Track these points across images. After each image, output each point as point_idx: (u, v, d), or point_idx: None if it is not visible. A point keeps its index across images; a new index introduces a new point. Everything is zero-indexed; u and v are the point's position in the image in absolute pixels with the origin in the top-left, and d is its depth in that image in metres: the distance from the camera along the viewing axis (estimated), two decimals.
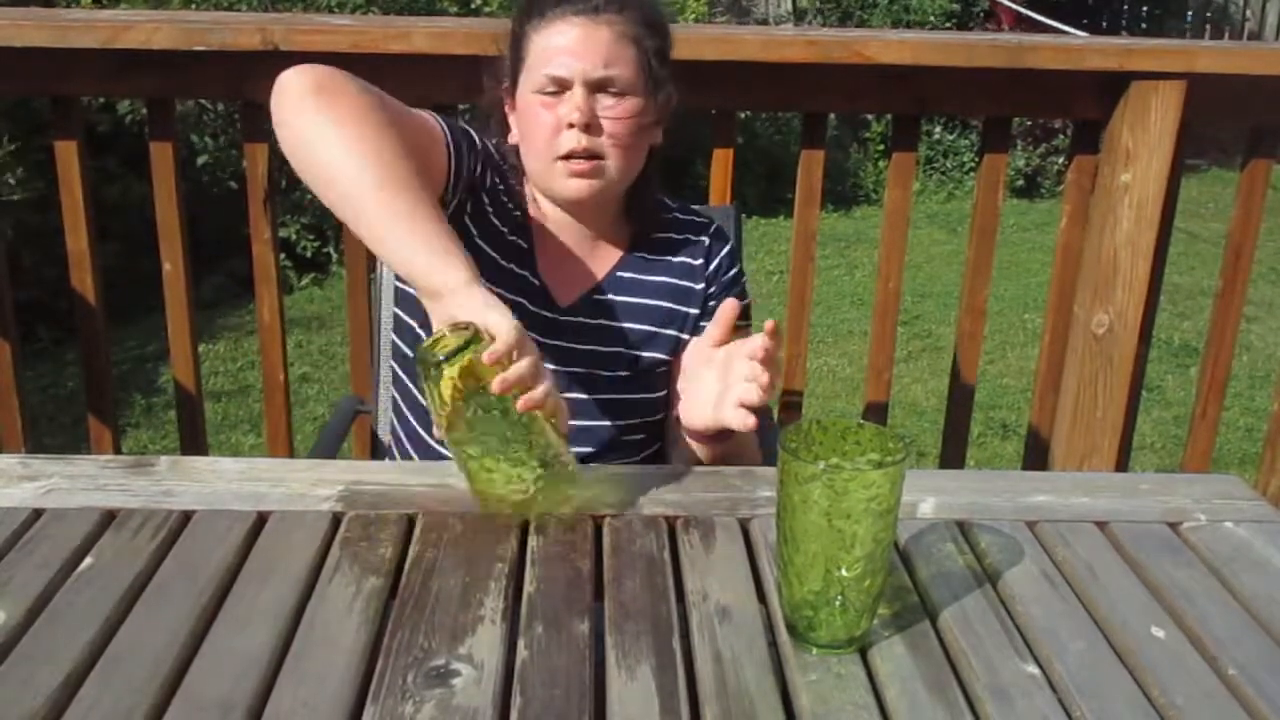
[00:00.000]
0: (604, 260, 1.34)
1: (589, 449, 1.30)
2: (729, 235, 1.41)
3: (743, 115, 5.62)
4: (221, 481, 1.10)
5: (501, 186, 1.32)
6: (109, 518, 1.03)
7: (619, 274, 1.34)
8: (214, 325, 4.24)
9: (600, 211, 1.32)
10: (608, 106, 1.23)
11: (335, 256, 4.74)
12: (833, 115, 5.65)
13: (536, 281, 1.31)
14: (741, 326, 1.22)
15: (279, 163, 1.51)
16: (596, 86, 1.23)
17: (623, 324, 1.32)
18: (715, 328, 1.16)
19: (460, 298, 1.02)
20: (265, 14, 4.36)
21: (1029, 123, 6.77)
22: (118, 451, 2.00)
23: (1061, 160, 6.74)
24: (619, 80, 1.23)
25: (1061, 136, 6.75)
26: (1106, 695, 0.83)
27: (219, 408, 3.58)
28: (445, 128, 1.24)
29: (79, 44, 1.69)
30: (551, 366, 1.26)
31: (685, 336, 1.34)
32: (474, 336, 0.98)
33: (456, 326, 1.00)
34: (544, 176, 1.27)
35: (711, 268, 1.37)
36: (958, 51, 1.76)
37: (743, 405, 1.09)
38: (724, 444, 1.23)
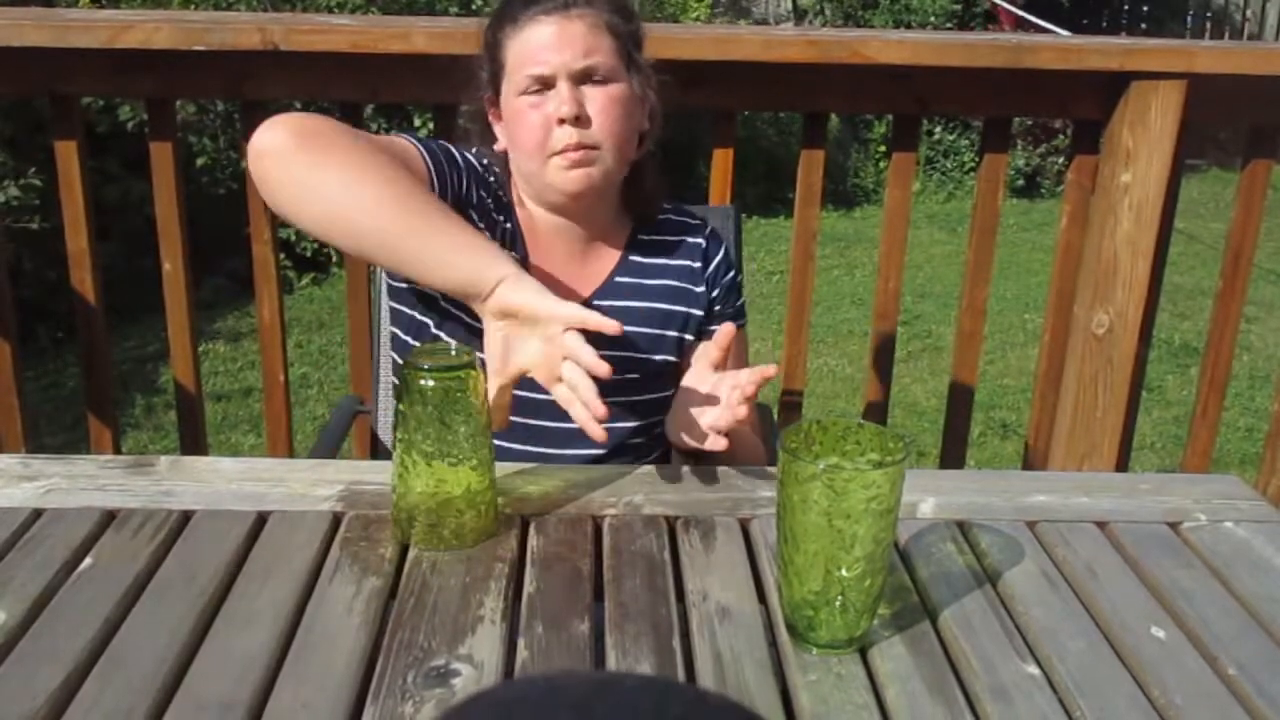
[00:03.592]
0: (601, 265, 1.34)
1: (595, 451, 1.30)
2: (723, 237, 1.42)
3: (742, 115, 5.61)
4: (221, 481, 1.10)
5: (489, 200, 1.30)
6: (109, 518, 1.03)
7: (617, 279, 1.33)
8: (214, 325, 4.24)
9: (598, 207, 1.32)
10: (594, 97, 1.24)
11: (335, 257, 4.74)
12: (834, 115, 5.65)
13: None
14: (740, 326, 1.28)
15: None
16: (580, 78, 1.23)
17: (625, 328, 1.32)
18: (715, 349, 1.17)
19: (512, 285, 1.06)
20: (265, 14, 4.36)
21: (1029, 122, 6.77)
22: (118, 451, 2.00)
23: (1062, 160, 6.74)
24: (601, 68, 1.24)
25: (1062, 136, 6.76)
26: (1106, 695, 0.83)
27: (219, 408, 3.58)
28: (423, 151, 1.22)
29: (79, 44, 1.69)
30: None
31: (689, 338, 1.34)
32: (468, 364, 0.99)
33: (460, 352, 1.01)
34: (539, 176, 1.26)
35: (711, 269, 1.37)
36: (958, 52, 1.76)
37: (713, 429, 1.14)
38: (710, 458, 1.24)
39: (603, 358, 1.29)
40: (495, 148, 1.32)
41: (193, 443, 1.97)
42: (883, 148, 6.82)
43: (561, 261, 1.32)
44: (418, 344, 1.30)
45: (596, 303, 1.32)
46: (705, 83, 1.78)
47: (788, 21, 7.78)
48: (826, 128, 1.91)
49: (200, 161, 4.46)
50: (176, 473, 1.12)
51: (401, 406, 0.98)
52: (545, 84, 1.23)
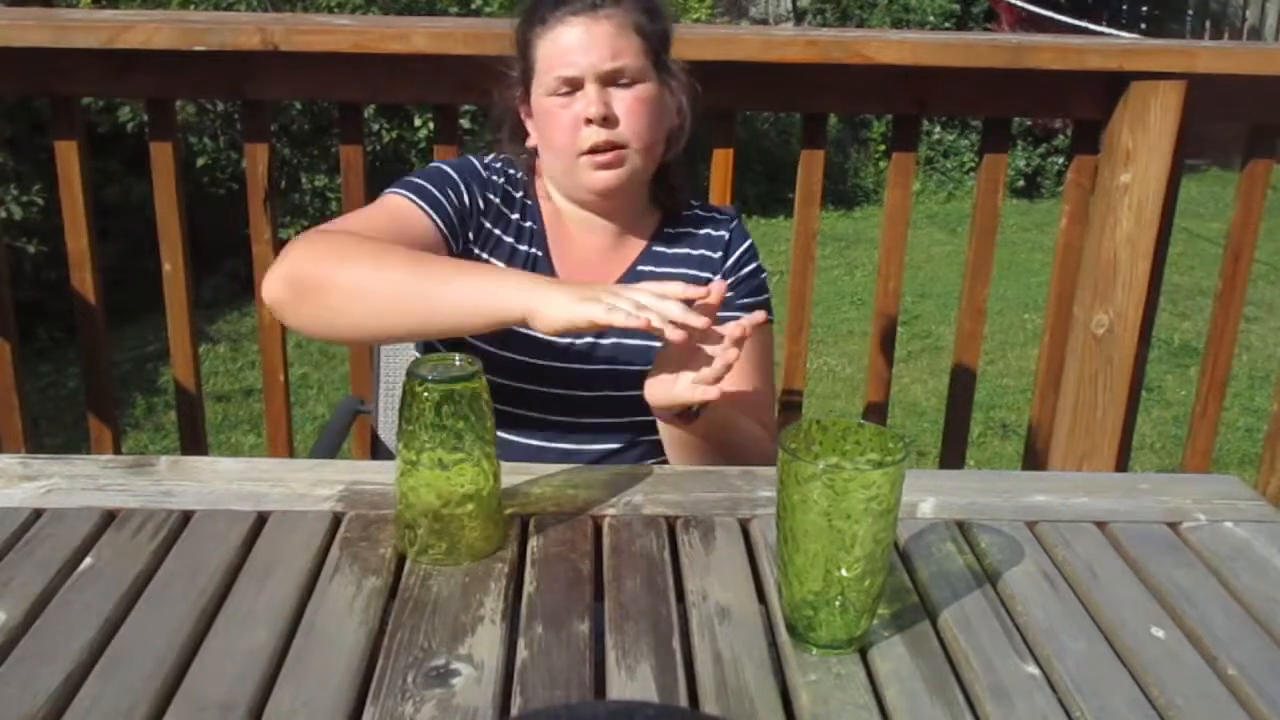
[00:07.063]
0: (625, 254, 1.35)
1: (614, 445, 1.31)
2: (748, 234, 1.42)
3: (743, 115, 5.61)
4: (221, 481, 1.10)
5: (497, 200, 1.32)
6: (109, 518, 1.03)
7: (639, 267, 1.35)
8: (214, 325, 4.24)
9: (626, 203, 1.33)
10: (621, 98, 1.25)
11: None
12: (833, 115, 5.64)
13: None
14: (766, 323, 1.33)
15: (279, 163, 1.50)
16: (607, 80, 1.24)
17: None
18: (736, 328, 1.07)
19: (540, 319, 1.02)
20: (265, 14, 4.36)
21: (1029, 123, 6.78)
22: (118, 451, 2.00)
23: (1061, 160, 6.75)
24: (628, 70, 1.25)
25: (1061, 136, 6.76)
26: (1106, 695, 0.83)
27: (219, 408, 3.58)
28: (414, 199, 1.25)
29: (79, 44, 1.68)
30: (577, 366, 1.29)
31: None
32: (472, 374, 0.96)
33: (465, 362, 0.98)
34: (568, 174, 1.28)
35: (732, 260, 1.37)
36: (958, 52, 1.76)
37: (702, 381, 1.06)
38: (695, 429, 1.19)
39: (622, 348, 1.30)
40: (527, 144, 1.35)
41: (193, 443, 1.97)
42: (882, 148, 6.82)
43: (588, 254, 1.34)
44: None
45: None
46: (705, 83, 1.76)
47: (787, 21, 7.78)
48: (826, 128, 1.91)
49: (200, 162, 4.46)
50: (176, 473, 1.12)
51: (406, 419, 0.96)
52: (573, 85, 1.24)
